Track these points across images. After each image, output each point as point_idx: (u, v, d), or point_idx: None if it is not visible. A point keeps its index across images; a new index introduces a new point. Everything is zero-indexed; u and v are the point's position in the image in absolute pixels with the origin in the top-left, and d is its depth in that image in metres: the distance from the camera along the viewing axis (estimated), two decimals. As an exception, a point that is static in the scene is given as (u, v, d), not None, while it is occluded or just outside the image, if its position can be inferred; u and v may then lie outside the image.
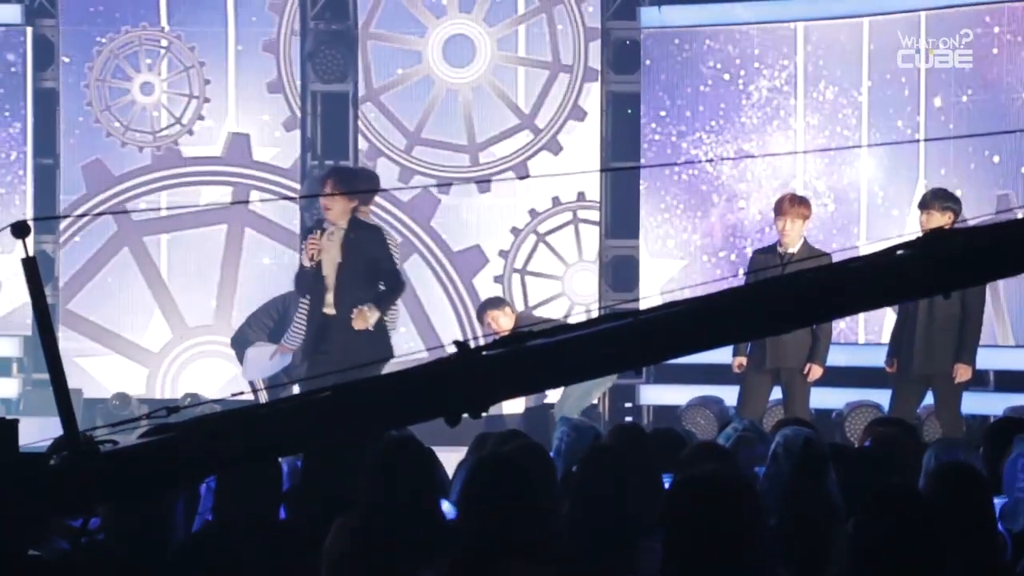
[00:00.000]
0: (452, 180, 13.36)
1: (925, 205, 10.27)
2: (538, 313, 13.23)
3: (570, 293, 13.39)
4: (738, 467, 5.96)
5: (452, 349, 3.96)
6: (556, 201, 13.52)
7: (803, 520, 5.51)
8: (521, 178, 13.35)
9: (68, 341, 13.23)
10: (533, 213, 13.52)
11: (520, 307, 13.40)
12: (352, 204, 10.13)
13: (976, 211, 11.33)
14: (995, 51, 12.34)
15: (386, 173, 13.28)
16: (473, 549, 4.63)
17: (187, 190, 13.49)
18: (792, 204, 10.60)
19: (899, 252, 3.96)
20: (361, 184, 10.76)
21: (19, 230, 3.86)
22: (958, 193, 10.69)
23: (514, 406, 12.11)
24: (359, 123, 13.53)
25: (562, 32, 13.49)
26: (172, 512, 5.04)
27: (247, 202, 13.27)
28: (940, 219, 10.00)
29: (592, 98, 13.53)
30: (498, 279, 13.53)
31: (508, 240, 13.52)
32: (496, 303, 12.07)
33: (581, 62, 13.50)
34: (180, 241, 13.53)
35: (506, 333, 11.86)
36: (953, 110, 12.52)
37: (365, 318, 9.90)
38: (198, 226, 13.53)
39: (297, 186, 13.46)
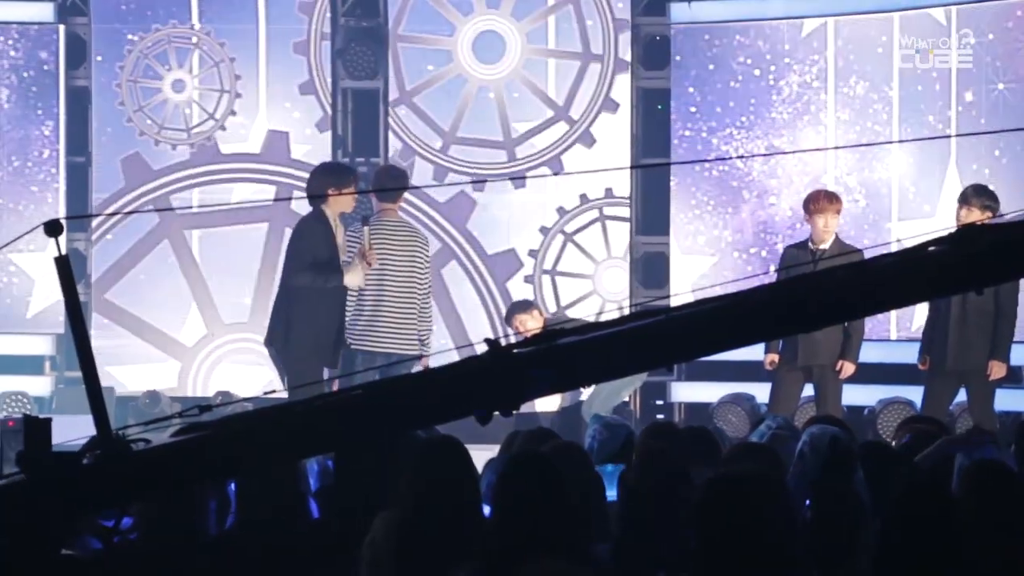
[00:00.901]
0: (485, 178, 13.35)
1: (966, 200, 10.23)
2: (570, 313, 13.22)
3: (601, 291, 13.37)
4: (781, 466, 5.95)
5: (483, 347, 3.96)
6: (584, 199, 13.51)
7: (829, 518, 5.49)
8: (555, 174, 13.34)
9: (102, 333, 13.26)
10: (561, 211, 13.51)
11: (552, 307, 13.39)
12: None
13: (1007, 207, 11.28)
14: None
15: (423, 174, 13.30)
16: (505, 547, 4.62)
17: (224, 187, 13.52)
18: (823, 201, 10.55)
19: (931, 248, 3.95)
20: (389, 182, 10.80)
21: (52, 229, 3.88)
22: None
23: (547, 404, 12.10)
24: (393, 125, 13.53)
25: (590, 20, 13.47)
26: (204, 511, 5.04)
27: (273, 201, 13.28)
28: (979, 216, 9.95)
29: (623, 89, 13.51)
30: (528, 279, 13.52)
31: (538, 240, 13.51)
32: (524, 306, 12.05)
33: (611, 52, 13.48)
34: (218, 238, 13.55)
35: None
36: (985, 104, 12.47)
37: None
38: (238, 223, 13.55)
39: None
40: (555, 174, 13.37)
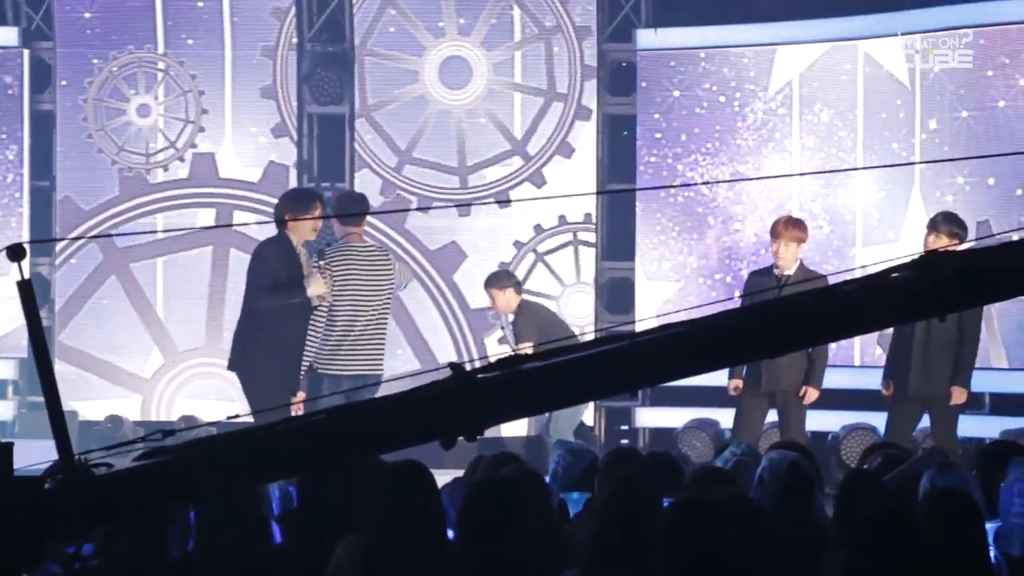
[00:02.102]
0: (434, 203, 13.34)
1: (935, 227, 10.27)
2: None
3: (566, 315, 13.39)
4: (743, 490, 5.95)
5: (447, 372, 3.96)
6: (563, 220, 13.51)
7: (789, 544, 5.50)
8: (501, 204, 13.33)
9: (64, 362, 13.23)
10: (538, 229, 13.49)
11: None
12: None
13: (971, 234, 11.33)
14: (990, 73, 12.36)
15: (370, 188, 13.24)
16: (473, 573, 4.62)
17: (181, 212, 13.49)
18: (787, 227, 10.59)
19: (895, 274, 3.96)
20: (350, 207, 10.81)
21: (15, 253, 3.86)
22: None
23: (515, 429, 12.09)
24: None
25: (558, 60, 13.48)
26: (165, 536, 5.02)
27: (237, 225, 13.25)
28: (947, 243, 9.99)
29: (582, 134, 13.49)
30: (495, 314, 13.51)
31: (511, 254, 13.49)
32: (498, 278, 11.85)
33: (576, 94, 13.50)
34: (167, 265, 13.51)
35: (504, 311, 11.83)
36: (948, 131, 12.54)
37: None
38: (184, 249, 13.51)
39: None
40: (501, 203, 13.31)
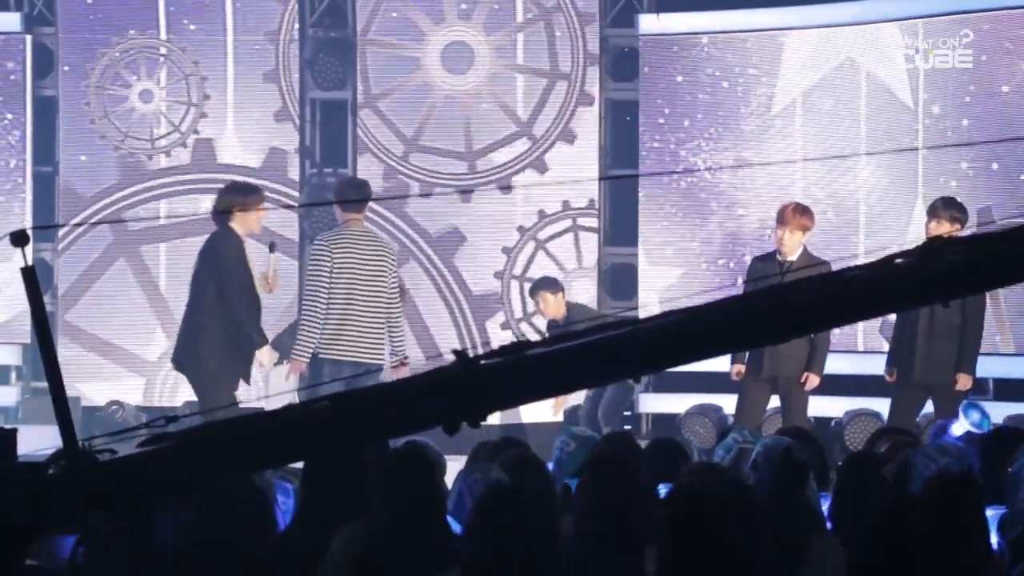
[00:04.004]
0: (437, 190, 13.33)
1: (935, 213, 10.29)
2: (536, 320, 13.22)
3: (569, 300, 13.38)
4: (741, 478, 5.95)
5: (451, 358, 3.95)
6: (566, 206, 13.51)
7: (780, 529, 5.50)
8: (503, 189, 13.33)
9: (68, 346, 13.24)
10: (541, 215, 13.50)
11: (518, 313, 13.40)
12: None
13: (975, 219, 11.34)
14: (993, 58, 12.34)
15: (373, 174, 13.25)
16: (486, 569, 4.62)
17: (183, 199, 13.48)
18: (794, 214, 10.59)
19: (898, 261, 3.96)
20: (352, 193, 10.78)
21: (18, 239, 3.86)
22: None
23: (535, 415, 12.10)
24: (358, 129, 13.52)
25: (560, 40, 13.48)
26: (153, 530, 5.00)
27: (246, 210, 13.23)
28: (948, 228, 10.01)
29: (584, 120, 13.48)
30: (499, 275, 13.50)
31: (514, 239, 13.49)
32: (551, 284, 12.10)
33: (579, 73, 13.48)
34: (170, 251, 13.51)
35: (554, 316, 11.94)
36: (951, 117, 12.52)
37: None
38: (186, 236, 13.49)
39: (294, 192, 13.44)
40: (502, 189, 13.32)
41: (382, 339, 10.61)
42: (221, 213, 10.18)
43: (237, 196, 10.30)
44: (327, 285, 10.37)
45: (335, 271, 10.38)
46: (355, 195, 10.67)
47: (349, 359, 10.43)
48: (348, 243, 10.48)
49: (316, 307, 10.39)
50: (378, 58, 13.52)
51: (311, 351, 10.38)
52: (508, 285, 13.55)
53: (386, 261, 10.67)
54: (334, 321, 10.45)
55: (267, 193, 13.32)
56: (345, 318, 10.44)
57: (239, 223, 10.14)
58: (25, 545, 3.67)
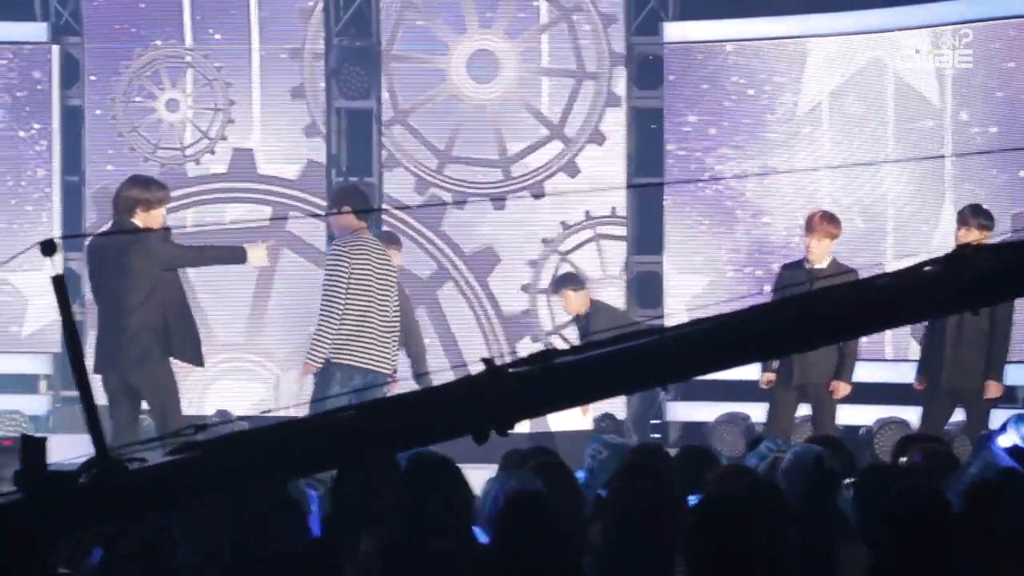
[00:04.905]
0: (467, 199, 13.35)
1: (964, 220, 10.31)
2: (567, 333, 13.24)
3: (594, 298, 13.38)
4: (770, 485, 5.94)
5: (479, 366, 3.95)
6: (588, 215, 13.51)
7: (809, 537, 5.49)
8: (536, 197, 13.34)
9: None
10: (565, 226, 13.51)
11: (548, 326, 13.41)
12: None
13: (1005, 226, 11.32)
14: (1023, 64, 12.31)
15: (404, 186, 13.28)
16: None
17: (212, 208, 13.52)
18: (822, 222, 10.59)
19: (926, 268, 3.95)
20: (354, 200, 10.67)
21: (48, 248, 3.87)
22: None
23: (559, 423, 12.09)
24: (388, 144, 13.52)
25: (584, 40, 13.48)
26: (175, 537, 5.01)
27: (273, 219, 13.28)
28: (977, 236, 10.02)
29: (612, 123, 13.49)
30: (526, 288, 13.52)
31: (538, 250, 13.51)
32: (572, 281, 12.14)
33: (606, 70, 13.48)
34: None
35: (576, 312, 12.00)
36: (978, 124, 12.49)
37: None
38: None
39: (320, 201, 13.46)
40: (536, 197, 13.33)
41: (395, 348, 10.56)
42: (125, 210, 9.84)
43: (134, 189, 9.96)
44: (345, 291, 10.33)
45: (352, 278, 10.34)
46: (361, 202, 10.59)
47: (362, 366, 10.36)
48: (365, 250, 10.43)
49: (333, 313, 10.34)
50: (404, 73, 13.55)
51: (324, 356, 10.34)
52: (535, 299, 13.55)
53: (392, 269, 10.66)
54: (349, 327, 10.38)
55: (296, 202, 13.40)
56: (362, 325, 10.40)
57: (140, 219, 9.75)
58: (56, 554, 3.68)
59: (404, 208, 13.08)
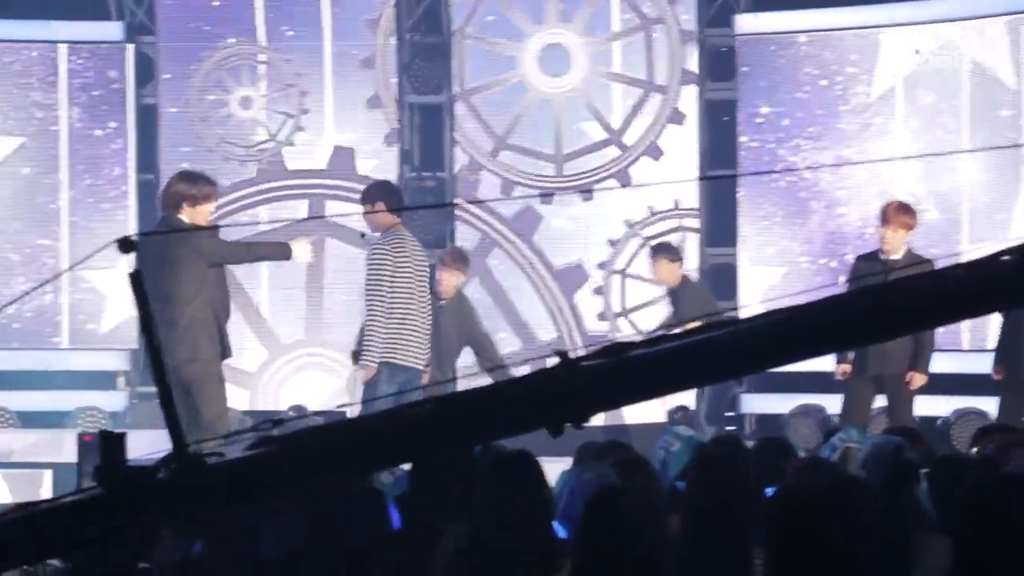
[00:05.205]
0: (552, 190, 13.36)
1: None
2: (635, 318, 13.23)
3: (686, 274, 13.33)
4: (848, 476, 5.91)
5: (553, 360, 3.96)
6: (651, 210, 13.48)
7: (889, 528, 5.46)
8: (584, 193, 13.33)
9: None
10: (629, 223, 13.50)
11: (616, 308, 13.42)
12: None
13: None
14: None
15: (462, 171, 13.31)
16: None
17: (288, 204, 13.59)
18: (897, 212, 10.52)
19: (1003, 258, 3.92)
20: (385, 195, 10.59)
21: (125, 246, 3.91)
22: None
23: (633, 416, 12.09)
24: (500, 171, 13.51)
25: (658, 53, 13.41)
26: (260, 529, 5.05)
27: (322, 217, 13.33)
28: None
29: (673, 137, 13.44)
30: (598, 291, 13.53)
31: (606, 252, 13.50)
32: (669, 250, 12.14)
33: (675, 90, 13.42)
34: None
35: (666, 282, 11.97)
36: (1055, 112, 12.38)
37: None
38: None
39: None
40: (623, 186, 13.35)
41: (429, 343, 10.53)
42: (172, 206, 9.77)
43: (190, 187, 9.97)
44: (389, 290, 10.30)
45: (396, 275, 10.31)
46: (395, 198, 10.53)
47: (405, 364, 10.33)
48: (405, 247, 10.39)
49: (381, 312, 10.31)
50: (475, 54, 13.56)
51: (379, 356, 10.32)
52: (609, 279, 13.52)
53: (428, 266, 10.69)
54: (395, 325, 10.34)
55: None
56: (405, 322, 10.36)
57: (186, 214, 9.72)
58: (137, 548, 3.72)
59: (437, 207, 13.08)
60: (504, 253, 13.45)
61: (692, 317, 11.37)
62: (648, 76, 13.47)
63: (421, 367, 10.37)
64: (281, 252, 10.24)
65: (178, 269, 9.62)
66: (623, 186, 13.35)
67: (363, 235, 10.81)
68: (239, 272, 13.46)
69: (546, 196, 13.36)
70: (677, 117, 13.49)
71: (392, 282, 10.25)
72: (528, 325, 13.55)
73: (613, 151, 13.49)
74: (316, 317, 13.50)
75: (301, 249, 10.12)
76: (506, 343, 13.15)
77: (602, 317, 13.49)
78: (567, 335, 13.48)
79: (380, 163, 13.57)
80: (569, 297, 13.56)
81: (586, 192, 13.38)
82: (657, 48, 13.43)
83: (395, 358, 10.30)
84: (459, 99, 13.55)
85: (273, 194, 13.65)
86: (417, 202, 13.66)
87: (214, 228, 10.08)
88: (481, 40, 13.55)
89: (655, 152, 13.47)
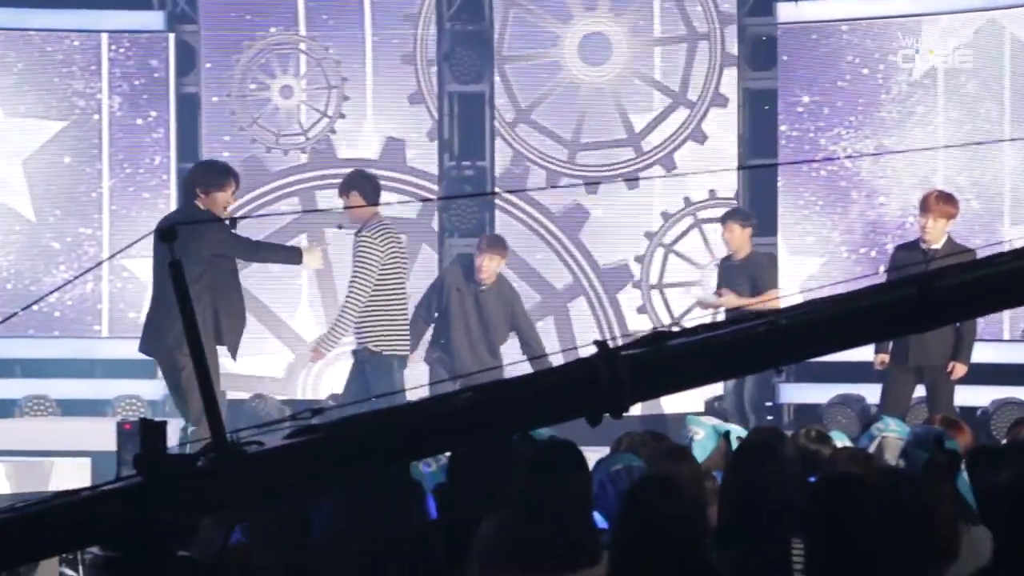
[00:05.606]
0: (597, 180, 13.32)
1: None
2: (668, 293, 13.24)
3: (709, 289, 13.34)
4: (887, 466, 5.91)
5: (592, 349, 3.95)
6: (687, 201, 13.46)
7: (929, 517, 5.45)
8: (628, 182, 13.30)
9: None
10: (665, 216, 13.48)
11: (667, 321, 13.40)
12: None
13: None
14: None
15: (501, 158, 13.31)
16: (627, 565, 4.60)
17: (320, 194, 13.59)
18: (938, 202, 10.47)
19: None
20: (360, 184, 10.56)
21: (167, 235, 3.92)
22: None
23: (671, 406, 12.08)
24: (515, 143, 13.48)
25: (697, 68, 13.37)
26: (310, 517, 5.06)
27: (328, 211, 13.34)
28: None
29: (731, 84, 13.42)
30: (637, 284, 13.50)
31: (643, 245, 13.48)
32: (742, 216, 12.10)
33: (717, 29, 13.36)
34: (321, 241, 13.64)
35: (735, 249, 11.93)
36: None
37: None
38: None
39: (430, 185, 13.51)
40: (667, 173, 13.31)
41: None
42: (192, 194, 9.83)
43: (205, 176, 9.92)
44: (374, 282, 10.29)
45: (385, 266, 10.31)
46: (370, 187, 10.48)
47: (402, 353, 10.45)
48: (391, 238, 10.40)
49: (359, 304, 10.31)
50: (519, 23, 13.51)
51: (336, 346, 10.39)
52: (649, 295, 13.50)
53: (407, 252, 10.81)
54: (390, 316, 10.36)
55: (403, 187, 13.45)
56: (398, 312, 10.42)
57: (210, 205, 9.75)
58: (177, 536, 3.73)
59: (452, 197, 13.08)
60: (547, 246, 13.44)
61: (767, 290, 11.45)
62: (681, 89, 13.43)
63: (408, 354, 10.59)
64: (292, 257, 10.25)
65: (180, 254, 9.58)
66: (627, 182, 13.31)
67: (340, 226, 10.88)
68: (251, 280, 13.48)
69: (592, 183, 13.30)
70: (699, 136, 13.42)
71: (381, 275, 10.26)
72: (572, 322, 13.53)
73: (627, 152, 13.45)
74: (335, 308, 13.52)
75: (312, 257, 10.14)
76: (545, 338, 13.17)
77: (641, 310, 13.47)
78: (609, 333, 13.48)
79: (420, 153, 13.57)
80: (612, 297, 13.54)
81: (631, 180, 13.35)
82: (697, 64, 13.38)
83: (397, 349, 10.39)
84: (519, 121, 13.48)
85: (327, 181, 13.64)
86: (456, 191, 13.67)
87: (239, 219, 10.10)
88: (529, 11, 13.51)
89: (721, 100, 13.41)
